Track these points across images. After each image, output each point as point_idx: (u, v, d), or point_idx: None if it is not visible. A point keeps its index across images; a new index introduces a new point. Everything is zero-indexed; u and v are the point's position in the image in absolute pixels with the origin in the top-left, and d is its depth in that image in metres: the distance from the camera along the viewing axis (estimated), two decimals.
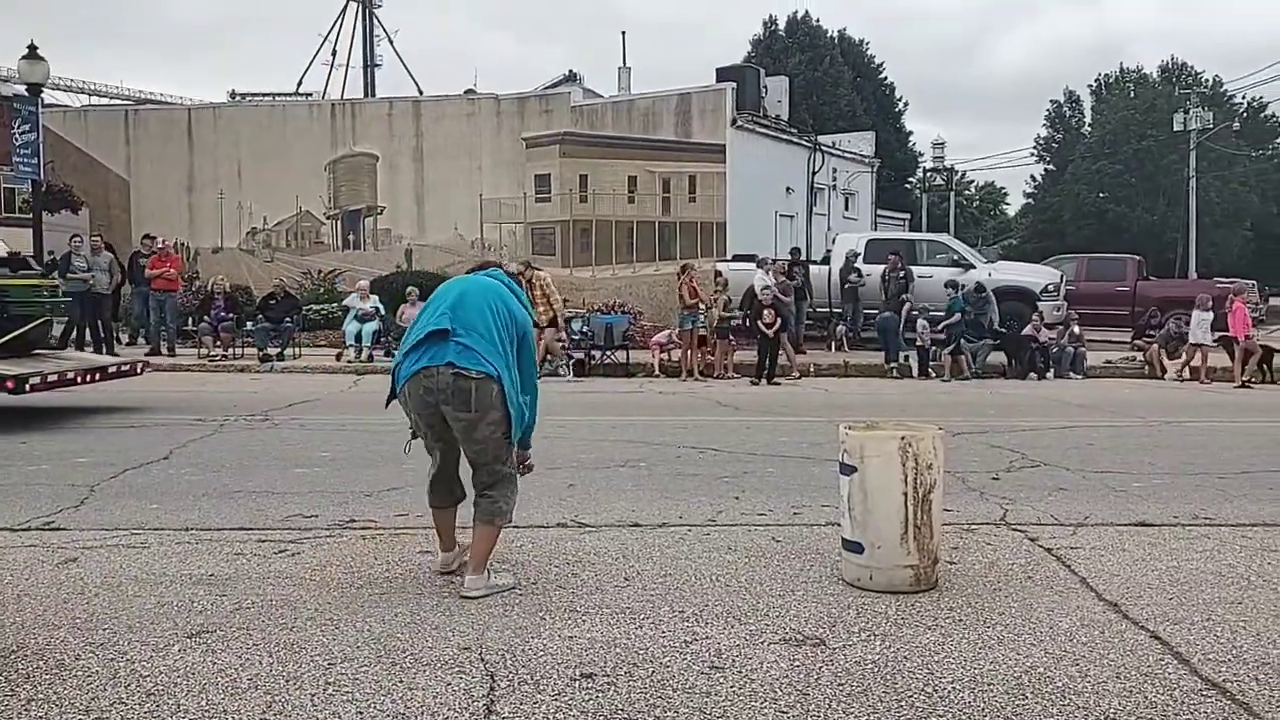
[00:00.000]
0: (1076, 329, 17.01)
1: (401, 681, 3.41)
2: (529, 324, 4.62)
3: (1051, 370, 16.20)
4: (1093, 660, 3.65)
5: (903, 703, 3.27)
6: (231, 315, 17.18)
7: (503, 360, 4.36)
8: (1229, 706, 3.26)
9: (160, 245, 17.59)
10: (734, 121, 21.18)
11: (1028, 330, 16.43)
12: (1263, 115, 49.85)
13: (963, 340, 16.20)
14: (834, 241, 20.77)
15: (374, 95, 27.99)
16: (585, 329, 16.78)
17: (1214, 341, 15.89)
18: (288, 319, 17.26)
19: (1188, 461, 8.13)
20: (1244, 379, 15.31)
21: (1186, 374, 16.06)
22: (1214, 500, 6.55)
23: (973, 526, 5.71)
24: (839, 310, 18.86)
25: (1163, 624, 4.05)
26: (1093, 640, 3.86)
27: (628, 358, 16.36)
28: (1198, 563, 5.00)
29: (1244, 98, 49.09)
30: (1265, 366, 16.07)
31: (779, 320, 15.23)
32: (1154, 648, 3.80)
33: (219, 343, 16.96)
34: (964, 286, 16.87)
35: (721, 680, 3.44)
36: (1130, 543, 5.40)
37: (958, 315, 16.18)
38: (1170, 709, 3.23)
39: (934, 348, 16.18)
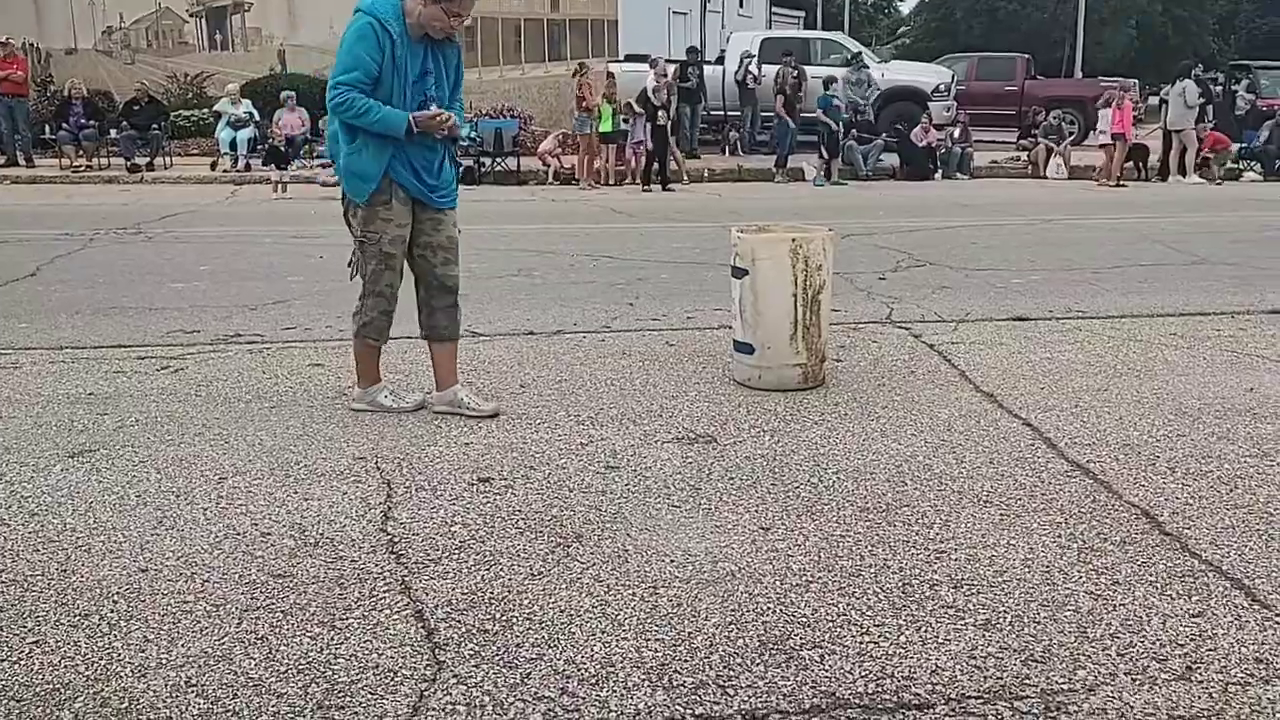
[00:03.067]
0: (963, 130, 17.17)
1: (297, 493, 3.39)
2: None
3: (939, 171, 16.41)
4: (969, 448, 3.84)
5: (790, 494, 3.40)
6: (93, 122, 16.02)
7: (344, 141, 3.92)
8: (1091, 485, 3.48)
9: (3, 44, 16.14)
10: None
11: (916, 131, 16.49)
12: None
13: (855, 142, 16.21)
14: (729, 41, 20.25)
15: None
16: (474, 135, 16.21)
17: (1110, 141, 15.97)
18: (155, 126, 16.22)
19: (1065, 258, 8.42)
20: (1119, 177, 15.78)
21: (1064, 173, 16.45)
22: (1087, 294, 6.83)
23: (859, 325, 5.86)
24: (734, 113, 18.57)
25: (1035, 412, 4.26)
26: (969, 429, 4.05)
27: (518, 165, 15.94)
28: (1069, 353, 5.24)
29: None
30: (1140, 165, 16.57)
31: (670, 122, 14.93)
32: (1026, 434, 4.01)
33: (81, 152, 15.91)
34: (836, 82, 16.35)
35: (616, 479, 3.52)
36: (1008, 336, 5.62)
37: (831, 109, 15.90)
38: (1038, 489, 3.44)
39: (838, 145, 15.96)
